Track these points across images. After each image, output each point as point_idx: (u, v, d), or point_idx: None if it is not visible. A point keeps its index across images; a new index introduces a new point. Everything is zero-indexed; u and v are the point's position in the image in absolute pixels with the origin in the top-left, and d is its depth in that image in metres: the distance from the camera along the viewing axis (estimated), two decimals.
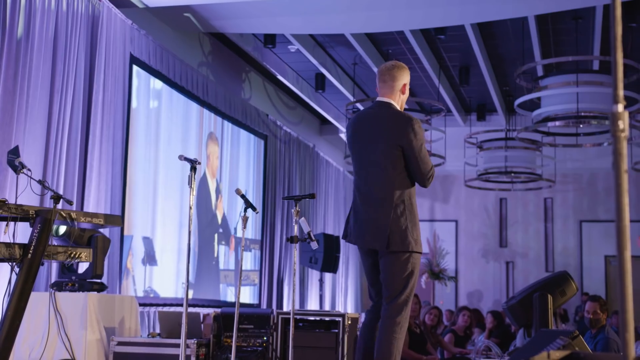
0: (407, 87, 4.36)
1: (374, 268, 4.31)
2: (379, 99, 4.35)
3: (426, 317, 8.75)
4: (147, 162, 8.34)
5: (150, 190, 8.38)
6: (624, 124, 1.71)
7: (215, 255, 10.01)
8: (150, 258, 8.28)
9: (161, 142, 8.61)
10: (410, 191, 4.22)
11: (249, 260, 10.74)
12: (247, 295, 10.58)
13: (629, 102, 9.64)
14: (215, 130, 10.04)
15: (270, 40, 9.66)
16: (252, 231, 10.83)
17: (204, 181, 9.71)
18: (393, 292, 4.16)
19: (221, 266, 10.14)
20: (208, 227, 9.80)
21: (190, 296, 9.30)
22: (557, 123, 9.56)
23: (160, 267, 8.51)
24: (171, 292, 8.72)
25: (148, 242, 8.26)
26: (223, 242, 10.20)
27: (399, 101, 4.33)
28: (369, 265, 4.33)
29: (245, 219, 5.19)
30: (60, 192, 6.41)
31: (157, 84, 8.59)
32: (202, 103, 9.56)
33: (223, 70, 10.35)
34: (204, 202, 9.69)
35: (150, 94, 8.51)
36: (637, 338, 9.09)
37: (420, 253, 4.23)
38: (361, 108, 12.02)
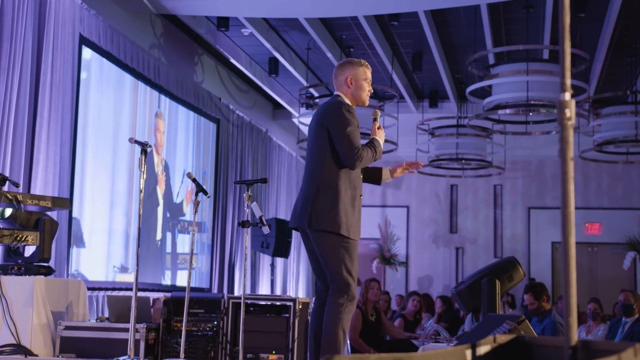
0: (357, 80, 4.43)
1: (313, 254, 4.36)
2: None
3: None
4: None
5: (77, 168, 7.89)
6: (570, 112, 1.74)
7: (159, 238, 9.81)
8: (77, 240, 7.92)
9: (90, 119, 8.19)
10: (340, 174, 4.25)
11: (188, 244, 10.53)
12: (184, 280, 10.37)
13: (577, 91, 9.80)
14: (165, 112, 9.90)
15: (223, 23, 9.58)
16: (201, 215, 10.76)
17: (149, 160, 9.47)
18: (332, 274, 4.22)
19: (166, 249, 9.95)
20: (150, 208, 9.56)
21: (132, 280, 9.04)
22: (507, 111, 9.69)
23: (89, 249, 8.15)
24: (101, 276, 8.38)
25: (75, 222, 7.87)
26: (167, 225, 10.01)
27: (349, 94, 4.43)
28: (308, 251, 4.40)
29: (196, 204, 5.17)
30: (7, 174, 6.28)
31: (86, 53, 8.17)
32: (154, 85, 9.43)
33: (175, 52, 10.22)
34: (147, 182, 9.41)
35: (80, 66, 8.00)
36: (580, 322, 9.31)
37: (346, 237, 4.17)
38: (315, 93, 12.04)
